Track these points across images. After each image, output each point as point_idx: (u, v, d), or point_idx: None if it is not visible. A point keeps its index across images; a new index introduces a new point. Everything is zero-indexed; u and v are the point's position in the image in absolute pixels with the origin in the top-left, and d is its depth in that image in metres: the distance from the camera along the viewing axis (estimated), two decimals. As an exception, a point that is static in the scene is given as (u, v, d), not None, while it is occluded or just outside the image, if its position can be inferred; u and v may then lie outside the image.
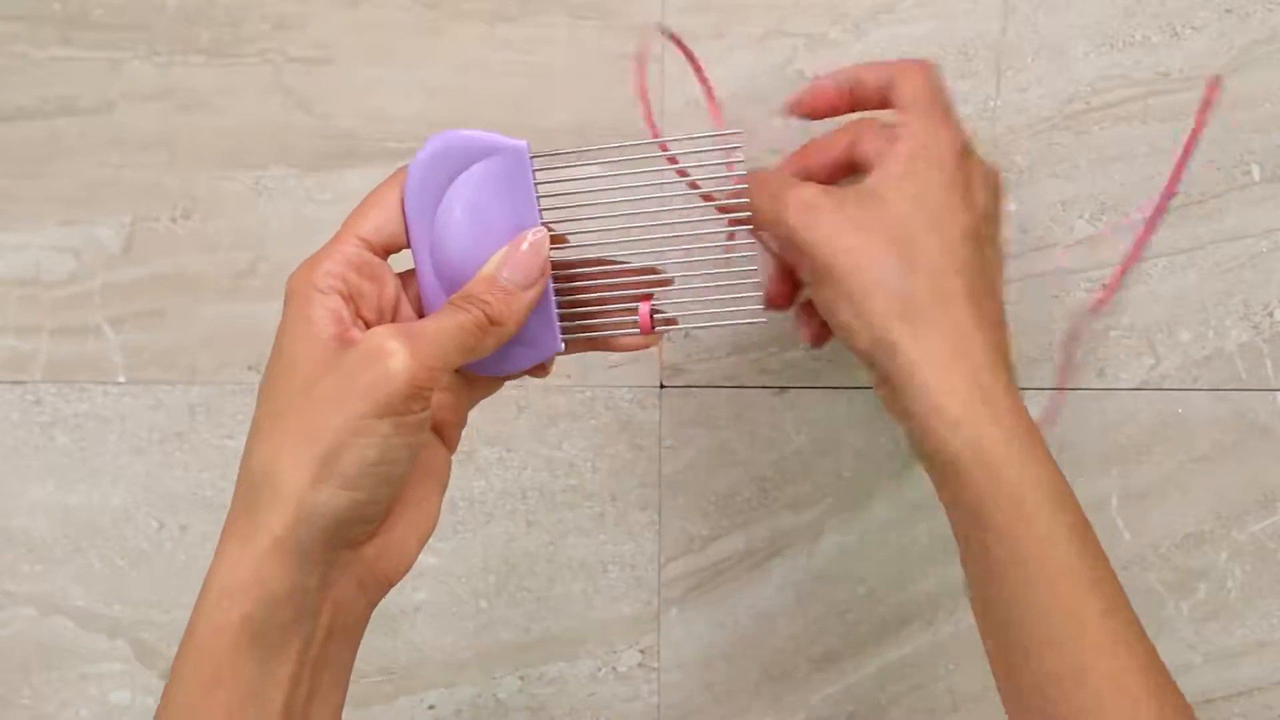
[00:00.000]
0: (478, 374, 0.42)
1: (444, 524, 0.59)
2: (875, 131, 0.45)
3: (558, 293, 0.41)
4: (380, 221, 0.40)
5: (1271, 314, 0.57)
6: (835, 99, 0.48)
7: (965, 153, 0.44)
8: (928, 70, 0.46)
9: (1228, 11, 0.57)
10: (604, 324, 0.41)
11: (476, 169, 0.40)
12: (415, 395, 0.36)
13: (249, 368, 0.59)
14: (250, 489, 0.37)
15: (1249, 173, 0.57)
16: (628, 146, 0.41)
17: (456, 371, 0.41)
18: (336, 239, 0.40)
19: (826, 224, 0.42)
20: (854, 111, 0.48)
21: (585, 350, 0.43)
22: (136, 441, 0.59)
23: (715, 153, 0.41)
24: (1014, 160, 0.58)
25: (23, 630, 0.59)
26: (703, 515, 0.58)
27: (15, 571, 0.59)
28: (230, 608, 0.36)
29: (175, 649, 0.59)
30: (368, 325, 0.39)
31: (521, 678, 0.59)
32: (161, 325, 0.59)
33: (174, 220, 0.59)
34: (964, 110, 0.58)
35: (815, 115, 0.48)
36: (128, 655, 0.59)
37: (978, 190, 0.44)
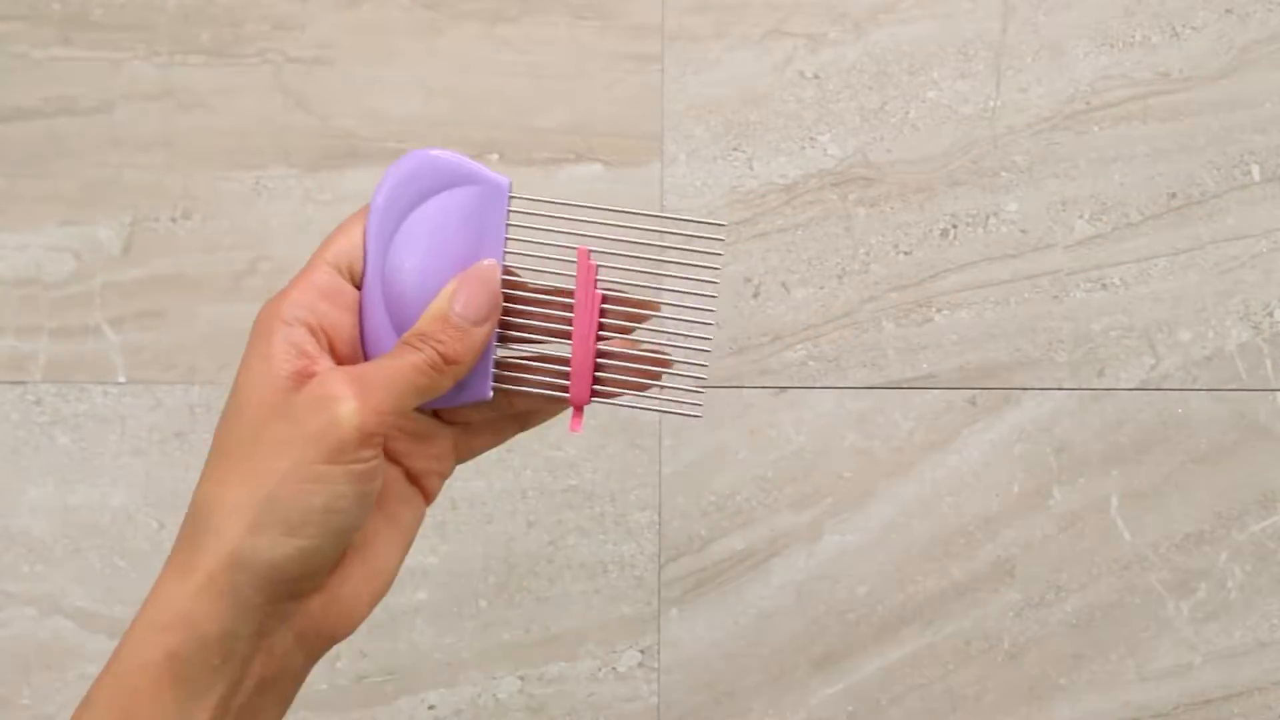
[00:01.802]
0: (475, 425, 0.41)
1: (444, 524, 0.59)
2: None
3: (501, 340, 0.39)
4: (348, 246, 0.38)
5: (1271, 314, 0.57)
6: None
7: None
8: None
9: (1228, 11, 0.57)
10: (537, 381, 0.39)
11: (446, 196, 0.38)
12: (365, 442, 0.34)
13: (249, 368, 0.59)
14: (192, 524, 0.36)
15: (1249, 173, 0.57)
16: (614, 212, 0.39)
17: (444, 420, 0.40)
18: (307, 268, 0.38)
19: None
20: None
21: (507, 408, 0.40)
22: (136, 441, 0.59)
23: (698, 239, 0.39)
24: (1014, 160, 0.58)
25: (23, 630, 0.59)
26: (703, 516, 0.58)
27: (15, 571, 0.59)
28: (156, 643, 0.34)
29: (175, 649, 0.59)
30: (337, 357, 0.37)
31: (521, 677, 0.59)
32: (161, 325, 0.59)
33: (174, 220, 0.59)
34: (964, 111, 0.58)
35: None
36: (128, 655, 0.59)
37: None
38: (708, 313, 0.37)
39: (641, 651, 0.58)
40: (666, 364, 0.39)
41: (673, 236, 0.37)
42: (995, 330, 0.58)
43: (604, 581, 0.59)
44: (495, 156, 0.59)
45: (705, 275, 0.37)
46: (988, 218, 0.58)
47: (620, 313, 0.38)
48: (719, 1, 0.58)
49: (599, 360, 0.38)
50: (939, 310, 0.58)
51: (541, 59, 0.58)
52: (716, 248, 0.37)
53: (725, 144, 0.59)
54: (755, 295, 0.57)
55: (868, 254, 0.58)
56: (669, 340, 0.38)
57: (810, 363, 0.58)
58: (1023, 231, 0.58)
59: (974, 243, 0.58)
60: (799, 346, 0.58)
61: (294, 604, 0.37)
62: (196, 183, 0.59)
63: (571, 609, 0.59)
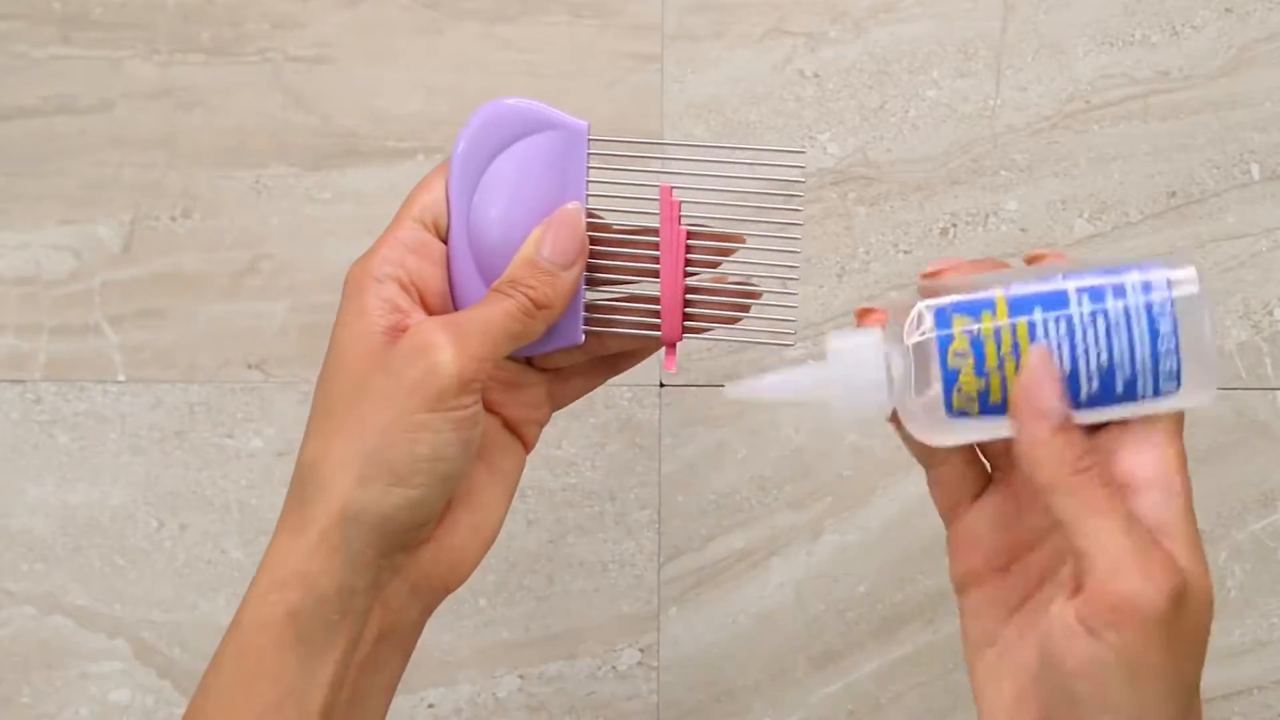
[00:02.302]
0: (566, 372, 0.41)
1: (444, 523, 0.58)
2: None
3: (590, 284, 0.39)
4: (431, 201, 0.38)
5: (1271, 313, 0.57)
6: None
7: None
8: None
9: (1227, 11, 0.57)
10: (628, 321, 0.39)
11: (525, 144, 0.38)
12: (464, 389, 0.35)
13: (249, 366, 0.59)
14: (300, 483, 0.36)
15: (1249, 172, 0.57)
16: (691, 147, 0.38)
17: (537, 367, 0.40)
18: (393, 224, 0.38)
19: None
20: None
21: (599, 350, 0.40)
22: (136, 440, 0.59)
23: (778, 168, 0.38)
24: (1014, 159, 0.58)
25: (23, 629, 0.59)
26: (702, 514, 0.58)
27: (15, 570, 0.59)
28: (276, 601, 0.35)
29: (175, 648, 0.59)
30: (429, 309, 0.38)
31: (521, 676, 0.59)
32: (161, 324, 0.59)
33: (174, 219, 0.59)
34: (964, 110, 0.58)
35: None
36: (127, 654, 0.59)
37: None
38: (793, 240, 0.38)
39: (641, 650, 0.58)
40: (755, 295, 0.39)
41: (752, 168, 0.37)
42: (995, 329, 0.58)
43: (604, 580, 0.59)
44: (495, 155, 0.59)
45: (787, 204, 0.37)
46: (987, 216, 0.58)
47: (705, 248, 0.38)
48: (719, 1, 0.58)
49: (688, 296, 0.38)
50: (939, 309, 0.58)
51: (541, 58, 0.58)
52: (796, 174, 0.37)
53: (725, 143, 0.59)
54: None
55: (868, 253, 0.58)
56: (756, 272, 0.38)
57: (811, 362, 0.58)
58: (1022, 230, 0.58)
59: (974, 241, 0.58)
60: (799, 345, 0.58)
61: (405, 556, 0.37)
62: (196, 181, 0.59)
63: (571, 608, 0.59)
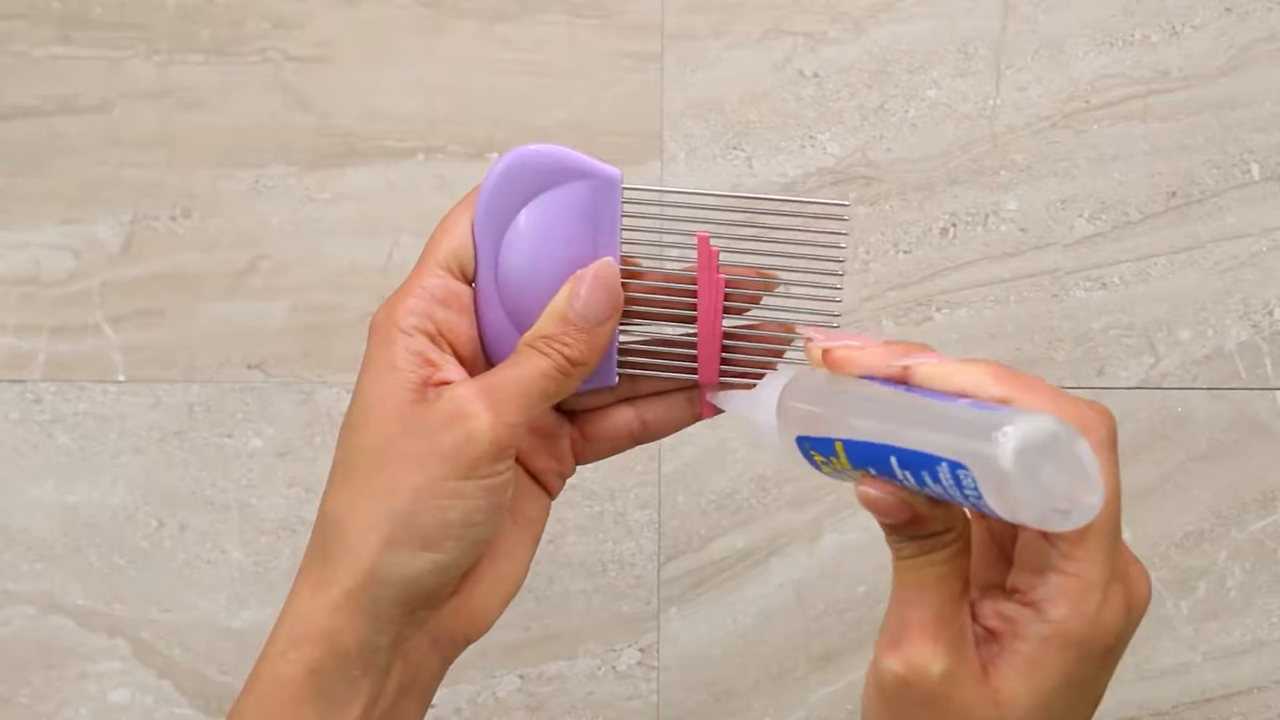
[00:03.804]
0: (591, 434, 0.40)
1: (443, 523, 0.58)
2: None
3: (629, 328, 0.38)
4: (456, 245, 0.37)
5: (1271, 313, 0.57)
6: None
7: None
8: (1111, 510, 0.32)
9: (1227, 10, 0.57)
10: (664, 365, 0.38)
11: (556, 194, 0.37)
12: (500, 456, 0.34)
13: (249, 366, 0.59)
14: (323, 537, 0.36)
15: (1249, 172, 0.57)
16: (726, 196, 0.37)
17: (566, 410, 0.39)
18: (417, 271, 0.37)
19: None
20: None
21: (631, 393, 0.40)
22: (136, 440, 0.59)
23: (820, 219, 0.38)
24: (1014, 159, 0.58)
25: (22, 629, 0.59)
26: (702, 514, 0.58)
27: (15, 570, 0.59)
28: (296, 659, 0.35)
29: (175, 648, 0.59)
30: (460, 358, 0.37)
31: (521, 676, 0.59)
32: (161, 324, 0.59)
33: (173, 219, 0.59)
34: (964, 109, 0.58)
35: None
36: (127, 654, 0.59)
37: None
38: (835, 290, 0.37)
39: (641, 650, 0.58)
40: (791, 341, 0.38)
41: (794, 218, 0.37)
42: (995, 329, 0.58)
43: (603, 580, 0.59)
44: (495, 155, 0.59)
45: (829, 255, 0.37)
46: (987, 216, 0.58)
47: (743, 295, 0.38)
48: (719, 0, 0.58)
49: (725, 342, 0.38)
50: (938, 309, 0.58)
51: (541, 57, 0.58)
52: (842, 227, 0.36)
53: (725, 142, 0.59)
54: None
55: (867, 252, 0.58)
56: (796, 320, 0.38)
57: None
58: (1022, 230, 0.58)
59: (973, 241, 0.58)
60: (799, 345, 0.58)
61: (429, 612, 0.36)
62: (196, 181, 0.59)
63: (571, 608, 0.59)
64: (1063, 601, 0.30)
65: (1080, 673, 0.31)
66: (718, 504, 0.58)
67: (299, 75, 0.59)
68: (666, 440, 0.58)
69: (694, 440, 0.58)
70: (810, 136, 0.58)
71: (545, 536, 0.59)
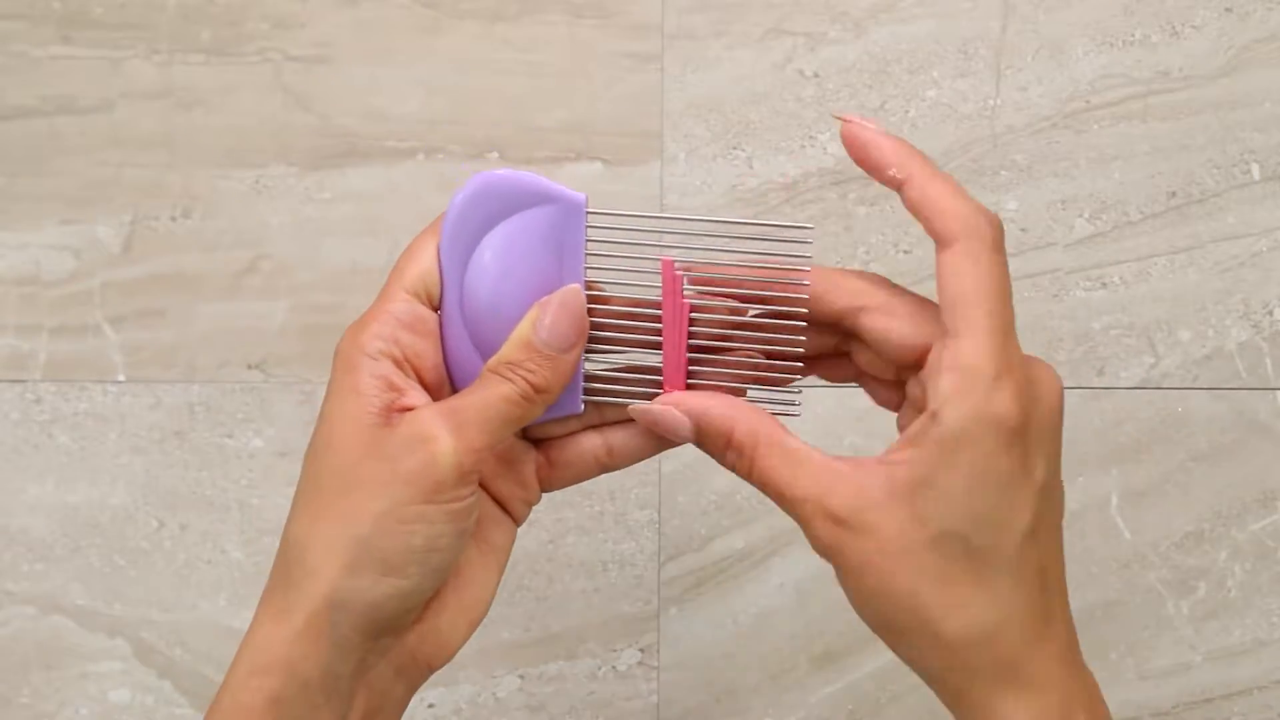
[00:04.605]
0: (557, 460, 0.40)
1: (444, 523, 0.58)
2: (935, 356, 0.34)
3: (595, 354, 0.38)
4: (422, 271, 0.37)
5: (1271, 313, 0.57)
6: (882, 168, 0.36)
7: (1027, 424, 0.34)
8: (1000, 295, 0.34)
9: (1227, 10, 0.57)
10: (630, 392, 0.38)
11: (521, 219, 0.37)
12: (463, 480, 0.34)
13: (249, 366, 0.59)
14: (285, 563, 0.36)
15: (1249, 172, 0.57)
16: (691, 220, 0.37)
17: (531, 438, 0.39)
18: (383, 296, 0.37)
19: (878, 562, 0.35)
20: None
21: (597, 420, 0.40)
22: (136, 440, 0.59)
23: (783, 244, 0.36)
24: (1014, 159, 0.58)
25: (22, 629, 0.59)
26: (702, 514, 0.58)
27: (15, 570, 0.59)
28: (258, 687, 0.34)
29: (175, 648, 0.59)
30: (425, 384, 0.37)
31: (521, 676, 0.59)
32: (161, 324, 0.59)
33: (174, 219, 0.59)
34: (964, 109, 0.58)
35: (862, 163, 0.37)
36: (127, 654, 0.59)
37: (1038, 462, 0.35)
38: (799, 313, 0.37)
39: (641, 650, 0.58)
40: (760, 367, 0.38)
41: (757, 242, 0.37)
42: (995, 329, 0.58)
43: (603, 580, 0.59)
44: (495, 155, 0.59)
45: (793, 277, 0.37)
46: (987, 216, 0.58)
47: (709, 320, 0.38)
48: (719, 0, 0.58)
49: (691, 369, 0.38)
50: (939, 309, 0.58)
51: (541, 57, 0.58)
52: (805, 250, 0.36)
53: (725, 142, 0.59)
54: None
55: (868, 253, 0.58)
56: (760, 344, 0.38)
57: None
58: (1022, 230, 0.58)
59: (974, 241, 0.58)
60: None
61: (392, 639, 0.36)
62: (196, 181, 0.59)
63: (571, 608, 0.59)
64: (951, 399, 0.32)
65: (990, 464, 0.32)
66: (718, 504, 0.58)
67: (299, 75, 0.59)
68: (666, 440, 0.58)
69: (694, 440, 0.58)
70: (810, 136, 0.58)
71: (545, 536, 0.59)
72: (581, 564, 0.59)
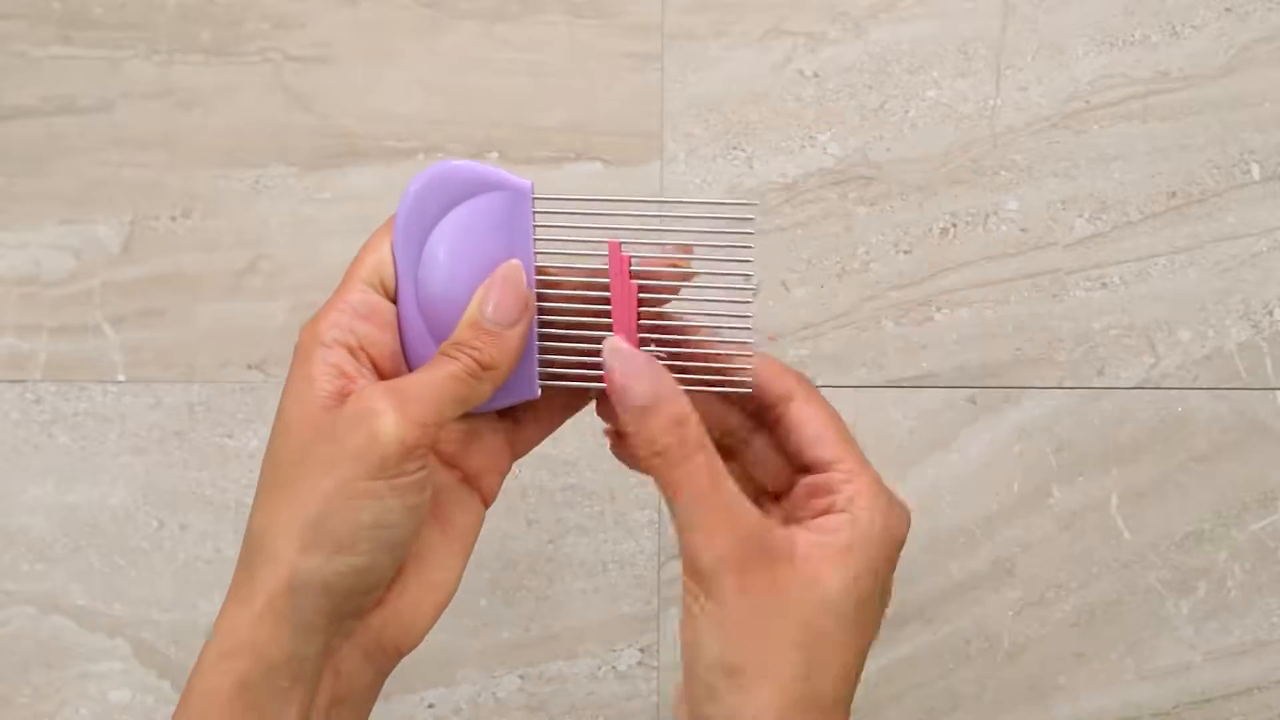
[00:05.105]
0: (523, 419, 0.41)
1: (444, 523, 0.58)
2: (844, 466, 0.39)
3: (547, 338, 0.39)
4: (378, 262, 0.38)
5: (1271, 313, 0.57)
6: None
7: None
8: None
9: (1227, 10, 0.57)
10: (584, 375, 0.39)
11: (470, 207, 0.38)
12: (408, 455, 0.34)
13: (249, 366, 0.59)
14: (248, 552, 0.36)
15: (1249, 172, 0.57)
16: (636, 202, 0.37)
17: (500, 415, 0.40)
18: (340, 288, 0.38)
19: (734, 611, 0.36)
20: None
21: (562, 408, 0.41)
22: (136, 440, 0.59)
23: (726, 220, 0.39)
24: (1014, 159, 0.58)
25: (22, 629, 0.59)
26: (702, 514, 0.58)
27: (15, 570, 0.59)
28: (226, 670, 0.35)
29: (174, 648, 0.59)
30: (382, 373, 0.37)
31: (521, 676, 0.59)
32: (161, 324, 0.59)
33: (174, 219, 0.59)
34: (964, 109, 0.58)
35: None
36: (127, 654, 0.59)
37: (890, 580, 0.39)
38: (745, 290, 0.37)
39: (641, 650, 0.58)
40: (709, 344, 0.39)
41: (702, 220, 0.37)
42: (995, 329, 0.58)
43: (603, 580, 0.59)
44: (495, 155, 0.59)
45: (739, 255, 0.37)
46: (987, 216, 0.58)
47: (658, 299, 0.38)
48: (719, 1, 0.58)
49: (642, 349, 0.38)
50: (939, 309, 0.58)
51: (541, 58, 0.58)
52: (747, 227, 0.37)
53: (725, 143, 0.59)
54: (754, 294, 0.57)
55: (867, 253, 0.58)
56: (710, 321, 0.38)
57: (810, 362, 0.58)
58: (1022, 230, 0.58)
59: (974, 242, 0.58)
60: (799, 345, 0.58)
61: (356, 621, 0.37)
62: (196, 181, 0.59)
63: (571, 607, 0.59)
64: (863, 503, 0.37)
65: (880, 567, 0.37)
66: (718, 504, 0.58)
67: (299, 75, 0.59)
68: (666, 440, 0.58)
69: (694, 440, 0.58)
70: (810, 136, 0.58)
71: (545, 536, 0.59)
72: (581, 564, 0.59)
